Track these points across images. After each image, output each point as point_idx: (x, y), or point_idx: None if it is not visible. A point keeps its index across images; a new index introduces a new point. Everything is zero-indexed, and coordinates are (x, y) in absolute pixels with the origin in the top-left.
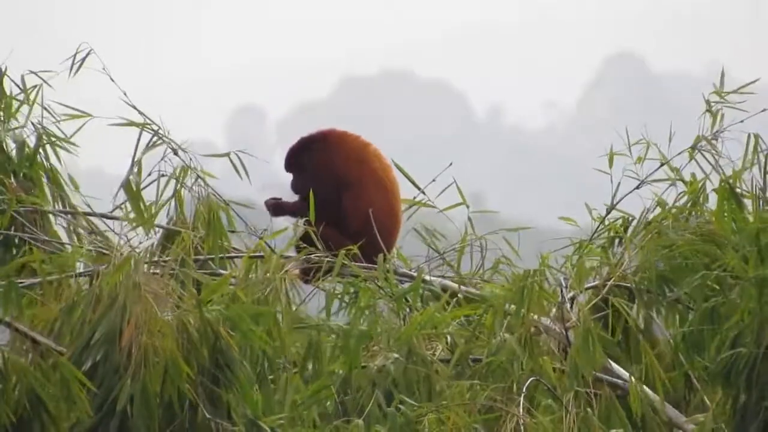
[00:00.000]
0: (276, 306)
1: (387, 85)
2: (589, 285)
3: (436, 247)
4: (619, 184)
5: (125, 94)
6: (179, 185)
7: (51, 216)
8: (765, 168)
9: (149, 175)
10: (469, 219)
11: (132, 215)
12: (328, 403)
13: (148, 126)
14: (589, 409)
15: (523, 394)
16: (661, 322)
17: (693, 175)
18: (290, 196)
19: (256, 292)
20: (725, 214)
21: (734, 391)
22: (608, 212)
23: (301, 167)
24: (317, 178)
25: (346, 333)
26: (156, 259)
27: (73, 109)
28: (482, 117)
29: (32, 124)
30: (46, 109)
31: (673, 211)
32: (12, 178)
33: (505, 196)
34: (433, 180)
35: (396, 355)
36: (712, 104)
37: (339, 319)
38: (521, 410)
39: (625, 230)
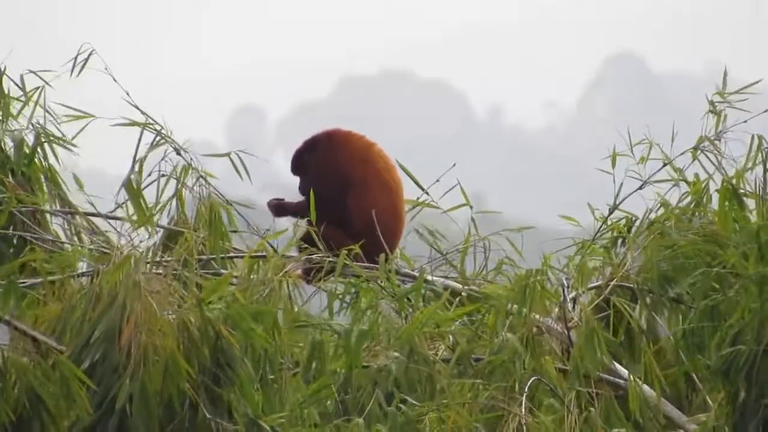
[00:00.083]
0: (276, 306)
1: (387, 85)
2: (592, 285)
3: (438, 248)
4: (621, 184)
5: (128, 94)
6: (180, 185)
7: (48, 215)
8: (767, 168)
9: (149, 175)
10: (473, 220)
11: (133, 215)
12: (329, 402)
13: (151, 126)
14: (591, 409)
15: (525, 394)
16: (663, 322)
17: (696, 175)
18: (292, 197)
19: (255, 293)
20: (726, 213)
21: (734, 388)
22: (611, 212)
23: (306, 168)
24: (322, 177)
25: (346, 332)
26: (158, 259)
27: (75, 109)
28: (482, 117)
29: (31, 123)
30: (44, 109)
31: (676, 211)
32: (10, 176)
33: (505, 196)
34: (437, 180)
35: (397, 354)
36: (715, 104)
37: (341, 319)
38: (523, 410)
39: (629, 230)
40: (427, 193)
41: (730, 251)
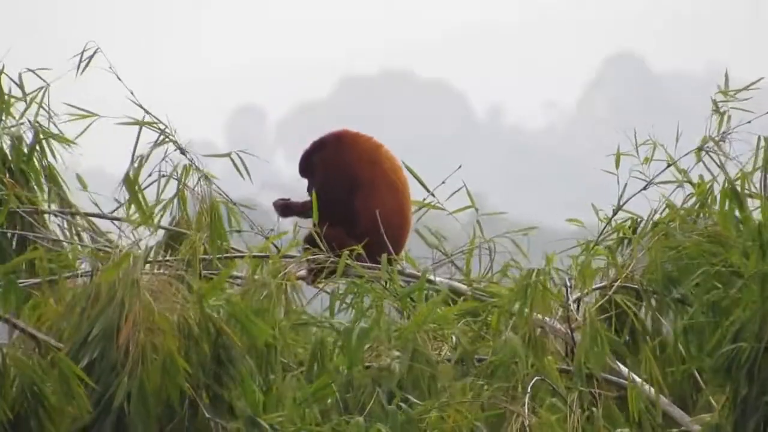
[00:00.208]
0: (276, 306)
1: (387, 85)
2: (596, 286)
3: (444, 250)
4: (626, 185)
5: (132, 93)
6: (181, 185)
7: (47, 214)
8: None
9: (149, 175)
10: (478, 222)
11: (133, 214)
12: (329, 401)
13: (155, 125)
14: (594, 409)
15: (528, 395)
16: (668, 323)
17: (701, 176)
18: (298, 197)
19: (256, 295)
20: (727, 214)
21: (735, 385)
22: (615, 213)
23: (314, 169)
24: (329, 178)
25: (347, 330)
26: (160, 258)
27: (78, 108)
28: (482, 117)
29: (29, 121)
30: (41, 107)
31: (681, 212)
32: (7, 175)
33: (505, 196)
34: (443, 182)
35: (397, 354)
36: (719, 104)
37: (343, 319)
38: (526, 410)
39: (633, 231)
40: (433, 195)
41: (732, 250)
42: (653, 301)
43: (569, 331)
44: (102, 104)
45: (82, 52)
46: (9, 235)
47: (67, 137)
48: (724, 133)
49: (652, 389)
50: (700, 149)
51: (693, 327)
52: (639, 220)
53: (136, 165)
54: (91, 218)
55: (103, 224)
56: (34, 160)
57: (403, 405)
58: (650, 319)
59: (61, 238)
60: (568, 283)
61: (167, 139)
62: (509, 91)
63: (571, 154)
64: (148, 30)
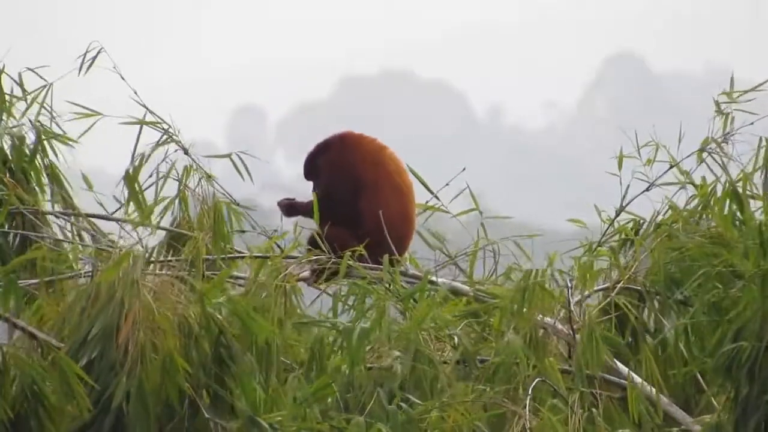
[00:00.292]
0: (277, 305)
1: (387, 85)
2: (599, 287)
3: (448, 252)
4: (628, 186)
5: (136, 92)
6: (182, 186)
7: (49, 214)
8: None
9: (150, 176)
10: (482, 225)
11: (134, 214)
12: (329, 400)
13: (159, 125)
14: (594, 410)
15: (529, 397)
16: (671, 324)
17: (703, 178)
18: (303, 197)
19: (257, 294)
20: (726, 216)
21: (735, 384)
22: (618, 214)
23: (318, 172)
24: (333, 179)
25: (347, 330)
26: (162, 259)
27: (83, 107)
28: (482, 117)
29: (29, 121)
30: (42, 106)
31: (684, 214)
32: (7, 175)
33: (505, 196)
34: (447, 184)
35: (397, 353)
36: (722, 106)
37: (346, 320)
38: (527, 410)
39: (636, 233)
40: (437, 198)
41: (734, 250)
42: (656, 303)
43: (571, 332)
44: (103, 104)
45: (86, 52)
46: (11, 235)
47: (69, 136)
48: (726, 134)
49: (654, 390)
50: (702, 151)
51: (694, 327)
52: (641, 221)
53: (136, 163)
54: (92, 219)
55: (105, 225)
56: (36, 160)
57: (403, 405)
58: (653, 321)
59: (63, 238)
60: (569, 284)
61: (171, 139)
62: (509, 91)
63: (571, 154)
64: (148, 30)
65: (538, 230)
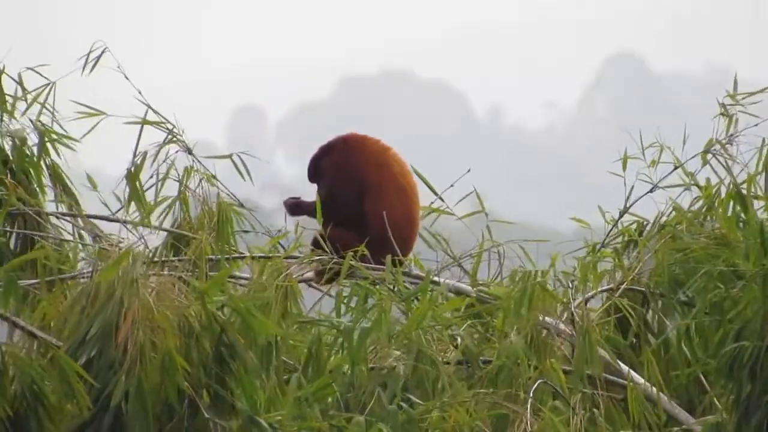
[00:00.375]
0: (278, 304)
1: (387, 85)
2: (603, 288)
3: (452, 254)
4: (632, 187)
5: (140, 92)
6: (183, 187)
7: (50, 215)
8: None
9: (151, 177)
10: (488, 228)
11: (134, 213)
12: (330, 400)
13: (163, 125)
14: (595, 410)
15: (530, 400)
16: (674, 325)
17: (708, 180)
18: (309, 197)
19: (258, 294)
20: (730, 218)
21: (737, 384)
22: (621, 215)
23: (322, 174)
24: (338, 181)
25: (348, 329)
26: (165, 259)
27: (87, 106)
28: (482, 117)
29: (30, 121)
30: (47, 107)
31: (689, 215)
32: (8, 176)
33: (505, 196)
34: (452, 185)
35: (398, 352)
36: (726, 107)
37: (348, 321)
38: (528, 412)
39: (640, 234)
40: (442, 200)
41: (736, 251)
42: (660, 304)
43: (574, 333)
44: (103, 104)
45: (90, 51)
46: (12, 235)
47: (71, 136)
48: (731, 136)
49: (659, 392)
50: (706, 152)
51: (697, 328)
52: (645, 223)
53: (138, 161)
54: (94, 220)
55: (106, 225)
56: (38, 160)
57: (404, 405)
58: (656, 322)
59: (64, 238)
60: (571, 285)
61: (175, 139)
62: (509, 91)
63: (571, 154)
64: (148, 30)
65: (538, 230)
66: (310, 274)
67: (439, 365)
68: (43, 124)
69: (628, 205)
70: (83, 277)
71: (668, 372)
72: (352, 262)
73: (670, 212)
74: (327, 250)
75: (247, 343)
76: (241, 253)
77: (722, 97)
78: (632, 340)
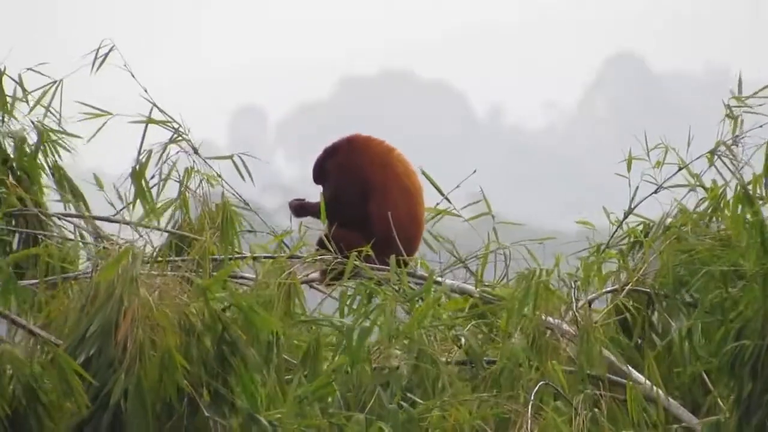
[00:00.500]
0: (280, 302)
1: (387, 85)
2: (608, 289)
3: (458, 255)
4: (637, 188)
5: (146, 91)
6: (183, 188)
7: (45, 213)
8: None
9: (152, 177)
10: (494, 230)
11: (139, 212)
12: (330, 399)
13: (169, 123)
14: (596, 410)
15: (531, 402)
16: (678, 326)
17: (714, 181)
18: (313, 198)
19: (261, 292)
20: (739, 218)
21: (739, 382)
22: (626, 216)
23: (327, 176)
24: (342, 182)
25: (348, 330)
26: (169, 258)
27: (91, 107)
28: (482, 117)
29: (31, 122)
30: (49, 109)
31: (694, 216)
32: (10, 176)
33: (505, 196)
34: (458, 186)
35: (398, 351)
36: (732, 108)
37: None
38: (529, 413)
39: (645, 235)
40: (449, 201)
41: (738, 251)
42: (664, 305)
43: (578, 333)
44: (106, 104)
45: (97, 49)
46: (15, 235)
47: (75, 134)
48: (736, 136)
49: (658, 390)
50: (712, 153)
51: (697, 327)
52: (651, 224)
53: (143, 159)
54: (96, 221)
55: (107, 225)
56: (40, 160)
57: (404, 404)
58: (661, 323)
59: (66, 237)
60: (574, 285)
61: (181, 138)
62: (509, 91)
63: (571, 154)
64: (148, 30)
65: (537, 231)
66: (315, 275)
67: (439, 364)
68: (43, 125)
69: (632, 206)
70: (86, 277)
71: (671, 373)
72: (357, 263)
73: (676, 213)
74: (332, 250)
75: (249, 340)
76: (240, 254)
77: (727, 98)
78: (637, 341)
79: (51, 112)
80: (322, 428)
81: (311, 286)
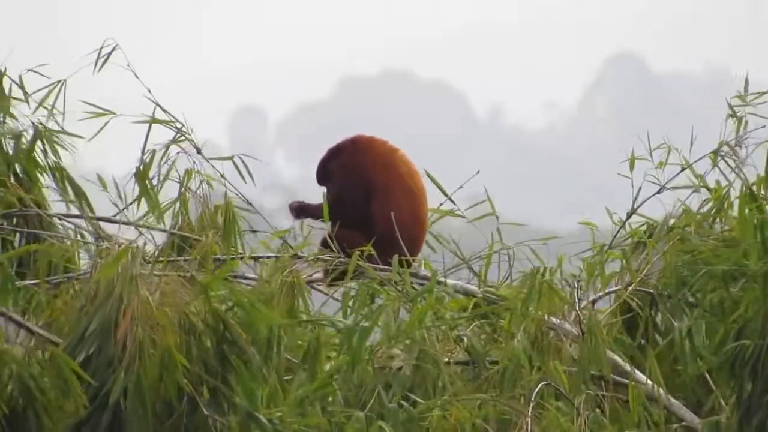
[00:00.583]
0: (281, 299)
1: (387, 85)
2: (611, 289)
3: (462, 256)
4: (640, 188)
5: (149, 91)
6: (183, 189)
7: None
8: None
9: (153, 177)
10: (498, 230)
11: (143, 211)
12: (330, 399)
13: (172, 123)
14: (598, 410)
15: (532, 403)
16: (683, 327)
17: (717, 182)
18: (314, 199)
19: (263, 290)
20: (746, 219)
21: (739, 382)
22: (629, 216)
23: (331, 176)
24: (345, 183)
25: (348, 329)
26: (171, 258)
27: (95, 106)
28: (482, 117)
29: (32, 123)
30: (46, 107)
31: (698, 217)
32: (11, 177)
33: (505, 196)
34: (461, 187)
35: (398, 351)
36: (735, 109)
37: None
38: (529, 413)
39: (649, 236)
40: (452, 201)
41: (740, 251)
42: (668, 305)
43: (581, 334)
44: (108, 104)
45: (100, 48)
46: (16, 235)
47: (76, 135)
48: (740, 137)
49: (659, 389)
50: (715, 154)
51: (700, 327)
52: (654, 225)
53: (147, 159)
54: (98, 221)
55: (110, 226)
56: (41, 160)
57: (404, 403)
58: (664, 323)
59: (67, 236)
60: (576, 285)
61: (184, 138)
62: (509, 91)
63: (571, 154)
64: (148, 30)
65: (537, 231)
66: (318, 275)
67: (440, 364)
68: (43, 125)
69: (635, 207)
70: (86, 277)
71: (673, 372)
72: (359, 263)
73: (681, 214)
74: (335, 250)
75: (249, 338)
76: (241, 254)
77: (730, 99)
78: (640, 341)
79: (53, 113)
80: (322, 427)
81: (313, 287)
